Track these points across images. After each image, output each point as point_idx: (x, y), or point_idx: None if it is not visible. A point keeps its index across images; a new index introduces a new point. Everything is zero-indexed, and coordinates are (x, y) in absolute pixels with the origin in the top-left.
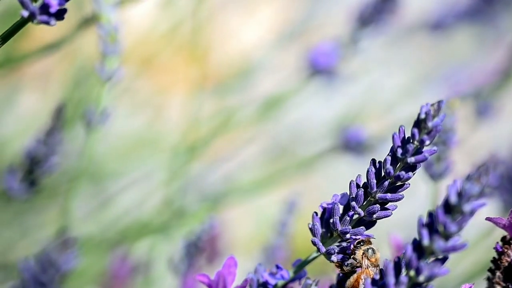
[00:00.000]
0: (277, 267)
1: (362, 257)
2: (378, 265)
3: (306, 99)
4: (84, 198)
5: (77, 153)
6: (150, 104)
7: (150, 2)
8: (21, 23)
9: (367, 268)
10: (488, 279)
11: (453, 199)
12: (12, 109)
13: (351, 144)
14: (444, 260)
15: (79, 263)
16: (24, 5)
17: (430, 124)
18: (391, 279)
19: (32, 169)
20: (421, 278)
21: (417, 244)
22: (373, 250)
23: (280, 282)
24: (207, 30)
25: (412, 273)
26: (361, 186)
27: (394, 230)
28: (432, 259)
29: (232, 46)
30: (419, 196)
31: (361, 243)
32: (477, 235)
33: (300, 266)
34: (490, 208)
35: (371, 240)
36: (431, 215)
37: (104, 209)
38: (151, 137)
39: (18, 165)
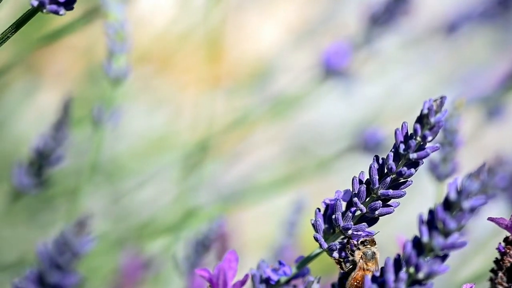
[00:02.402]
0: (280, 263)
1: (360, 258)
2: (377, 268)
3: (325, 100)
4: (101, 197)
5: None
6: (169, 103)
7: (169, 1)
8: (31, 13)
9: (363, 270)
10: (491, 279)
11: (453, 196)
12: (32, 108)
13: (369, 145)
14: (444, 257)
15: (94, 245)
16: None
17: (432, 119)
18: (390, 275)
19: (41, 164)
20: (421, 275)
21: (416, 241)
22: (373, 253)
23: (283, 278)
24: (224, 29)
25: (411, 270)
26: (363, 182)
27: (404, 232)
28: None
29: (249, 45)
30: (430, 198)
31: (364, 243)
32: (488, 235)
33: (303, 263)
34: (498, 209)
35: (373, 238)
36: (431, 212)
37: (120, 207)
38: (170, 136)
39: (27, 160)
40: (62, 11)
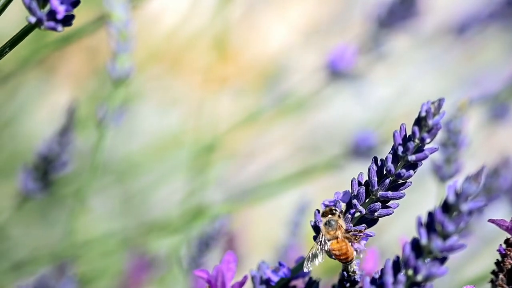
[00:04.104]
0: (280, 264)
1: (324, 230)
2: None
3: (338, 100)
4: (111, 196)
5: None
6: (180, 102)
7: (183, 2)
8: (29, 29)
9: (324, 241)
10: (491, 281)
11: (451, 198)
12: (44, 107)
13: (361, 149)
14: (443, 260)
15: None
16: (31, 11)
17: (430, 122)
18: (389, 278)
19: (46, 169)
20: (419, 278)
21: (415, 243)
22: (333, 222)
23: (283, 279)
24: (236, 30)
25: (410, 272)
26: (362, 184)
27: (410, 234)
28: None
29: (261, 46)
30: (437, 199)
31: (325, 214)
32: (497, 235)
33: (302, 264)
34: (504, 210)
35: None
36: (430, 214)
37: (130, 206)
38: (181, 135)
39: (32, 164)
40: (60, 28)
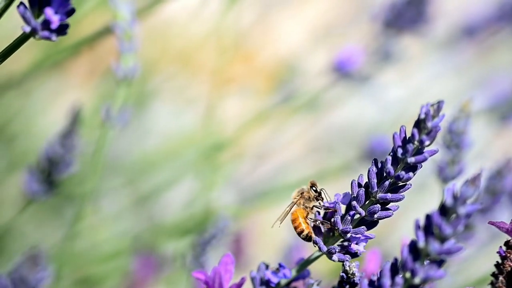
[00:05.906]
0: (280, 265)
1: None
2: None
3: (354, 101)
4: (123, 196)
5: (116, 151)
6: (194, 103)
7: (196, 2)
8: (23, 39)
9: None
10: (491, 283)
11: (449, 201)
12: (59, 106)
13: (376, 154)
14: (441, 262)
15: (50, 278)
16: (26, 21)
17: (429, 124)
18: (386, 280)
19: (50, 171)
20: (417, 280)
21: (413, 246)
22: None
23: (283, 281)
24: (252, 30)
25: (407, 274)
26: (362, 185)
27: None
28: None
29: (276, 46)
30: None
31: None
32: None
33: (303, 265)
34: (510, 212)
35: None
36: (428, 217)
37: (140, 207)
38: (194, 136)
39: (37, 166)
40: (54, 37)
